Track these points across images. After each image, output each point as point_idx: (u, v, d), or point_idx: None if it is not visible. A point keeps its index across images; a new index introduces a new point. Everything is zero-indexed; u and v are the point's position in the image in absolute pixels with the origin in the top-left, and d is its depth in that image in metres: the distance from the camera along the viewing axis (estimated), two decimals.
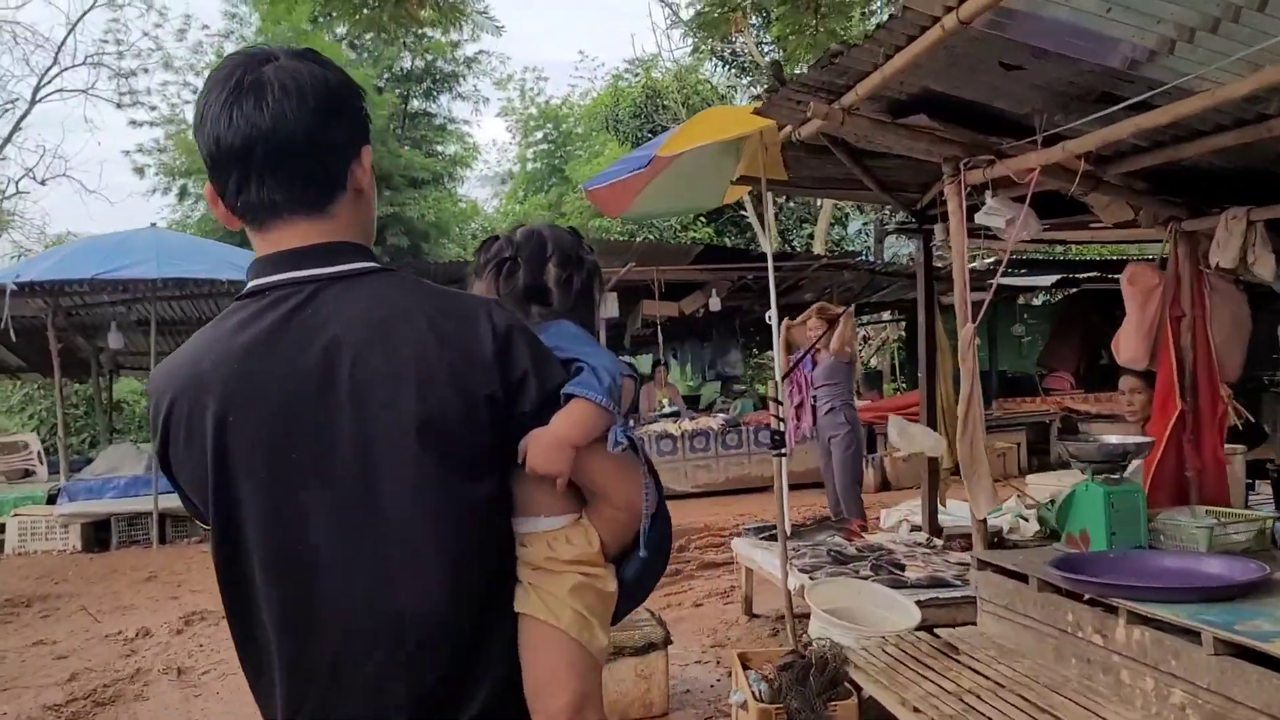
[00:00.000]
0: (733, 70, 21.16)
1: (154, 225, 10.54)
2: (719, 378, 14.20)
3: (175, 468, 1.33)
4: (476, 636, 1.27)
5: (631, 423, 1.44)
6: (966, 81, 3.75)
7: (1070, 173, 3.92)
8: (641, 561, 1.40)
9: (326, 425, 1.23)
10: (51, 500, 10.17)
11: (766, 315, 5.31)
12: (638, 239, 14.73)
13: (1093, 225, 5.54)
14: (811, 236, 19.09)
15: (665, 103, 20.52)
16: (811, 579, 4.81)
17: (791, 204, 20.02)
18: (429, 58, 21.42)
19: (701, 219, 20.02)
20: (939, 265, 7.57)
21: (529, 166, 29.61)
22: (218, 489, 1.25)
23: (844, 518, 6.86)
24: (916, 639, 3.98)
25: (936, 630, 4.03)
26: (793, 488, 5.68)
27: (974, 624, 4.04)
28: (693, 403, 14.06)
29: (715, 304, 12.19)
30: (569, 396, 1.29)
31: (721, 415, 12.11)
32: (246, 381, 1.25)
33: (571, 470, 1.30)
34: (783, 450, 5.16)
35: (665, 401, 12.55)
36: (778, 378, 5.53)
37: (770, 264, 5.36)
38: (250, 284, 1.32)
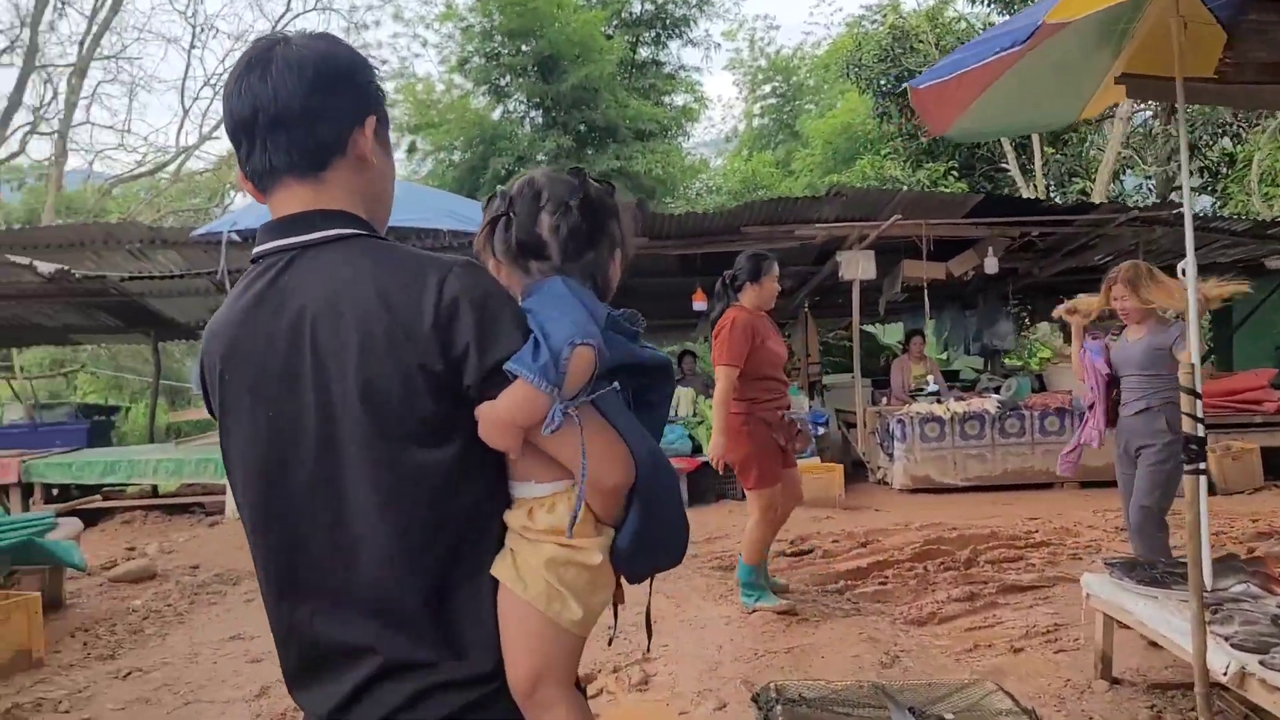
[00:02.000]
0: (993, 4, 18.77)
1: None
2: (984, 352, 12.33)
3: (211, 407, 1.43)
4: (441, 596, 1.31)
5: (584, 394, 1.30)
6: None
7: None
8: (633, 534, 1.36)
9: (294, 391, 1.31)
10: None
11: (1179, 268, 3.67)
12: (907, 186, 12.95)
13: None
14: (1083, 193, 16.62)
15: (914, 44, 18.51)
16: (1264, 662, 3.18)
17: (1059, 155, 17.56)
18: (659, 1, 20.23)
19: (954, 170, 17.93)
20: None
21: (755, 123, 28.21)
22: (222, 433, 1.41)
23: (1256, 560, 5.04)
24: None
25: None
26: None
27: None
28: (948, 378, 12.27)
29: (991, 265, 10.34)
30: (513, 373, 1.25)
31: (994, 396, 10.29)
32: (237, 344, 1.36)
33: (535, 444, 1.30)
34: (1200, 466, 3.53)
35: (929, 379, 10.84)
36: (1197, 362, 3.85)
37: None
38: (254, 250, 1.40)
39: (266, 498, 1.34)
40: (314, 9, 18.65)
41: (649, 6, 20.56)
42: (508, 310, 1.31)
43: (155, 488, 10.10)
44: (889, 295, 11.20)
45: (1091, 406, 5.45)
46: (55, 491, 10.03)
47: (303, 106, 1.34)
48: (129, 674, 4.88)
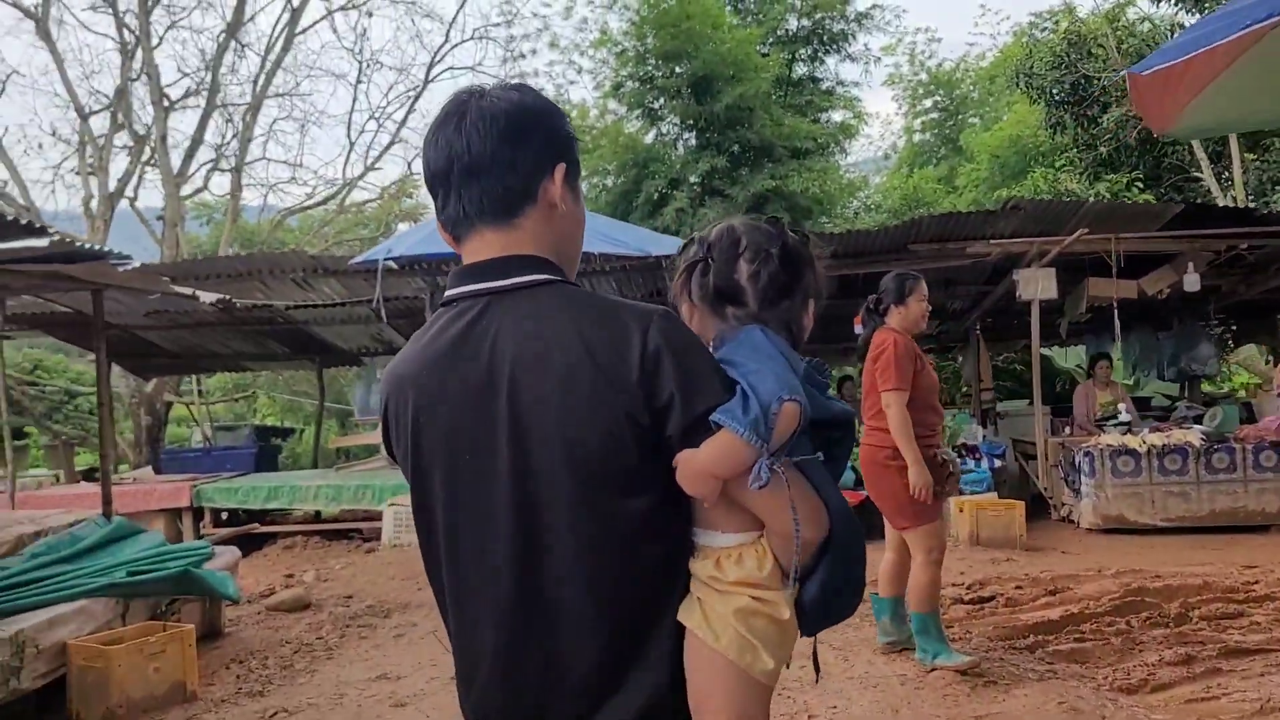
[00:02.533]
0: (1180, 5, 17.39)
1: None
2: (1180, 377, 11.22)
3: (392, 450, 1.50)
4: (630, 639, 1.33)
5: (783, 452, 1.31)
6: None
7: None
8: (820, 586, 1.35)
9: (489, 438, 1.34)
10: None
11: None
12: (1089, 198, 11.91)
13: None
14: None
15: (1093, 49, 17.30)
16: None
17: (1260, 161, 15.99)
18: (817, 16, 19.73)
19: (1138, 182, 16.61)
20: None
21: (915, 139, 27.29)
22: (415, 475, 1.43)
23: None
24: None
25: None
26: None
27: None
28: (1138, 406, 11.21)
29: (1192, 282, 9.33)
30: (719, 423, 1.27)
31: (1196, 427, 9.27)
32: (432, 389, 1.40)
33: (726, 494, 1.31)
34: None
35: (1119, 407, 9.89)
36: None
37: None
38: (445, 294, 1.46)
39: (459, 532, 1.39)
40: (471, 39, 18.95)
41: (805, 23, 20.09)
42: (707, 362, 1.34)
43: (318, 513, 10.26)
44: (1072, 316, 10.31)
45: None
46: (224, 515, 10.32)
47: (494, 156, 1.39)
48: (275, 714, 4.76)
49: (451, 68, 21.19)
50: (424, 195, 24.03)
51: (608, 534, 1.30)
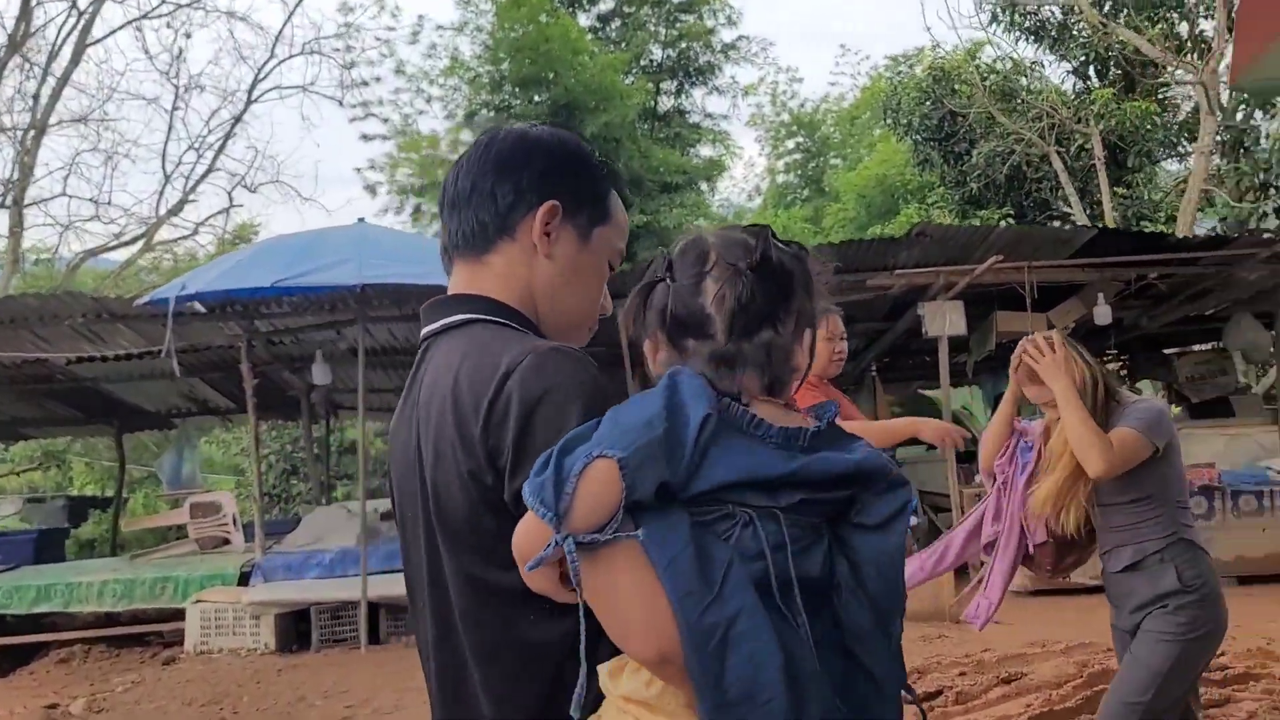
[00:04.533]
0: (1042, 43, 17.41)
1: (362, 220, 8.19)
2: None
3: None
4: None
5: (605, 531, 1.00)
6: None
7: None
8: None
9: (415, 503, 1.29)
10: (244, 580, 7.95)
11: None
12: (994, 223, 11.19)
13: None
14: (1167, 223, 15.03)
15: (957, 85, 17.12)
16: None
17: (1129, 194, 15.95)
18: (682, 45, 19.02)
19: (1009, 218, 16.35)
20: None
21: (779, 179, 27.12)
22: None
23: None
24: None
25: None
26: None
27: None
28: None
29: (1103, 314, 8.67)
30: None
31: None
32: (393, 438, 1.38)
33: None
34: None
35: None
36: None
37: None
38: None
39: (409, 579, 1.34)
40: (302, 53, 17.24)
41: (670, 53, 19.35)
42: (567, 415, 1.12)
43: (110, 614, 8.32)
44: (979, 354, 9.50)
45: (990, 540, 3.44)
46: None
47: (475, 186, 1.34)
48: None
49: (279, 86, 18.87)
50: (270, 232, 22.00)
51: (491, 615, 1.18)
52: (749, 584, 1.01)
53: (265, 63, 17.25)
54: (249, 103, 16.87)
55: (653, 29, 19.28)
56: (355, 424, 13.51)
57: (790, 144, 26.73)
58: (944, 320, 8.43)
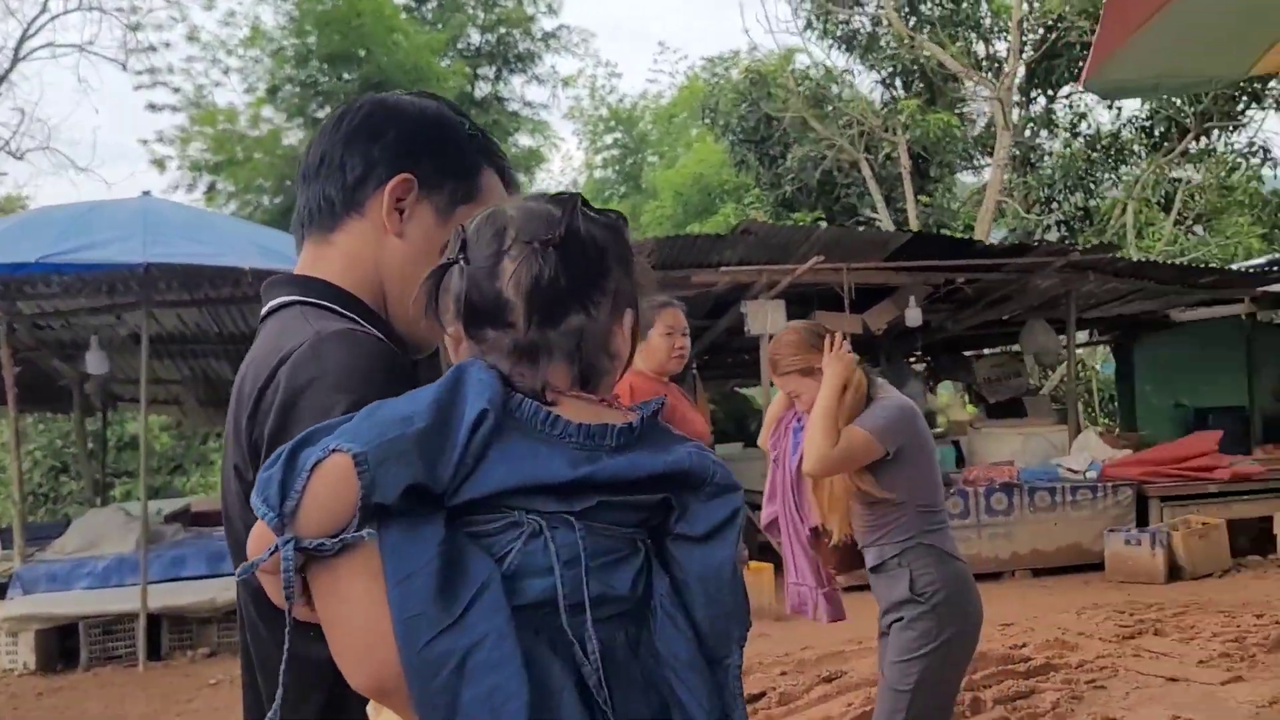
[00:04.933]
0: (853, 52, 18.06)
1: (148, 194, 7.36)
2: None
3: None
4: None
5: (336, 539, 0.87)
6: None
7: None
8: None
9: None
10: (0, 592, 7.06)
11: None
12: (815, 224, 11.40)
13: None
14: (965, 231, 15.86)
15: (772, 89, 17.52)
16: None
17: (931, 202, 16.76)
18: (501, 31, 18.57)
19: (820, 221, 16.85)
20: None
21: (597, 174, 27.06)
22: None
23: None
24: None
25: None
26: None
27: None
28: None
29: (914, 317, 8.95)
30: None
31: None
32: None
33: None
34: None
35: None
36: None
37: None
38: None
39: None
40: (79, 8, 15.62)
41: (489, 38, 18.86)
42: (331, 407, 0.99)
43: None
44: None
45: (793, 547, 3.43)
46: None
47: (324, 159, 1.22)
48: None
49: (52, 44, 16.97)
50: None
51: (270, 626, 1.05)
52: (503, 607, 0.88)
53: (36, 17, 15.56)
54: (15, 60, 15.16)
55: (471, 12, 18.78)
56: (137, 417, 12.35)
57: (609, 139, 26.71)
58: (766, 319, 8.47)
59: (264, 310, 1.21)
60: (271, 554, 0.87)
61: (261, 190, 16.65)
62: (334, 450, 0.87)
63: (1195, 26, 2.89)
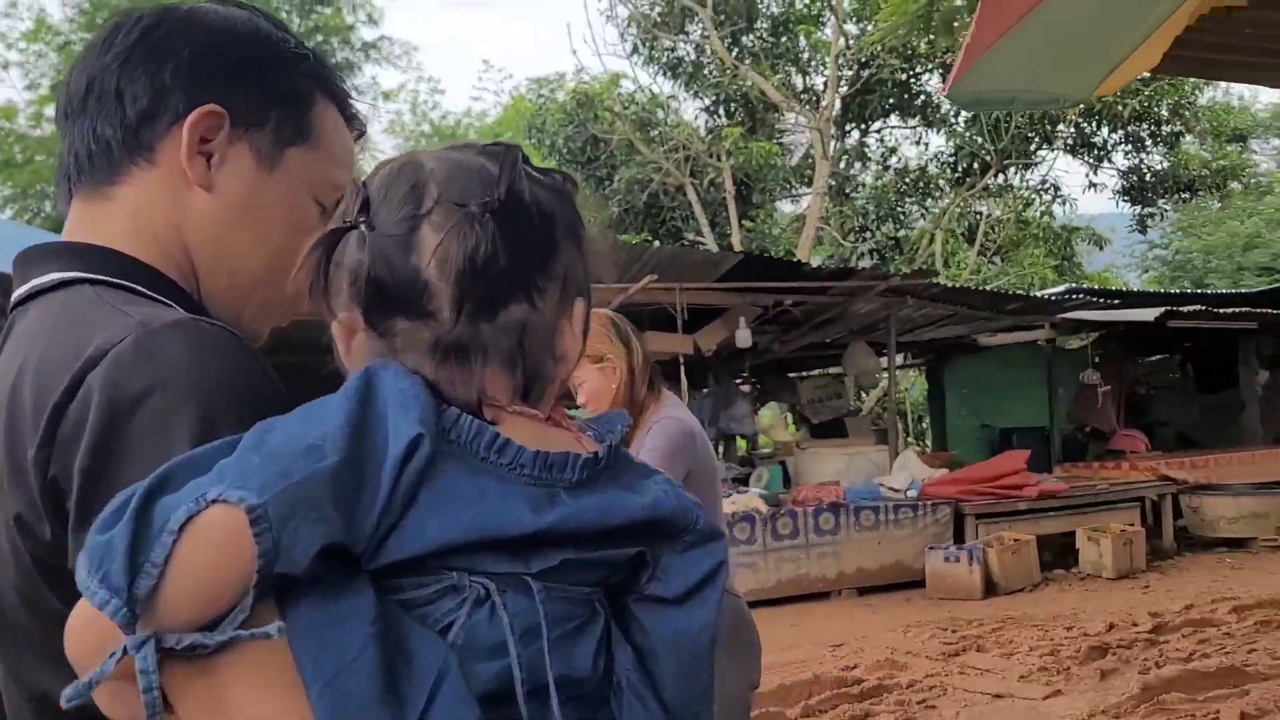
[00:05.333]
0: (678, 79, 18.33)
1: None
2: (720, 436, 11.01)
3: None
4: None
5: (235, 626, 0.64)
6: None
7: None
8: None
9: None
10: None
11: None
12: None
13: None
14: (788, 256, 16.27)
15: (599, 111, 17.56)
16: None
17: (754, 228, 17.13)
18: (318, 39, 17.81)
19: (646, 242, 16.92)
20: None
21: None
22: None
23: None
24: None
25: None
26: None
27: None
28: None
29: (744, 338, 8.97)
30: None
31: (755, 491, 8.84)
32: None
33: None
34: None
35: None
36: None
37: None
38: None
39: None
40: None
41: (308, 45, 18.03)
42: (174, 431, 0.72)
43: None
44: None
45: None
46: None
47: (92, 86, 0.90)
48: None
49: None
50: None
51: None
52: (470, 700, 0.67)
53: None
54: None
55: (286, 18, 17.90)
56: None
57: None
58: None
59: (21, 293, 0.88)
60: (119, 660, 0.61)
61: (44, 196, 15.32)
62: (215, 501, 0.63)
63: (1046, 45, 2.90)
